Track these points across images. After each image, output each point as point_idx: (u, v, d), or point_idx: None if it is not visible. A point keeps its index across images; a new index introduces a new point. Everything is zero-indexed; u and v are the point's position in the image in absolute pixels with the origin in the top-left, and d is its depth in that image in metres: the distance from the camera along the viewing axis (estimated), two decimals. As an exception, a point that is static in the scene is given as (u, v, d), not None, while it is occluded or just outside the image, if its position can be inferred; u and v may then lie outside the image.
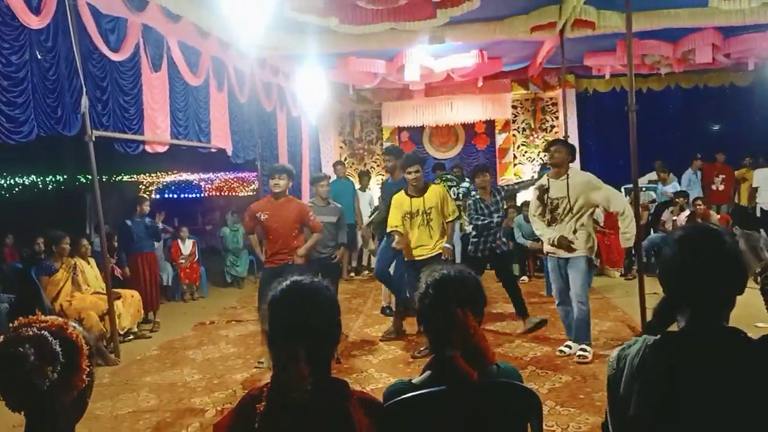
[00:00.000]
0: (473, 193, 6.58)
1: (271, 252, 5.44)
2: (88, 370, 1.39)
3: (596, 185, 5.13)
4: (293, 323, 1.55)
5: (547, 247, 5.26)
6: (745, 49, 9.27)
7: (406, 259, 5.57)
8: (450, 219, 5.50)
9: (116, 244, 7.46)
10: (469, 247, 6.26)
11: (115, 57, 5.99)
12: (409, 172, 5.43)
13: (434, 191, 5.50)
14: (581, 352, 5.01)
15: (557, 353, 5.16)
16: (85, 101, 5.48)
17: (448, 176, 10.10)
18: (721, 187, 10.55)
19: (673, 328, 1.55)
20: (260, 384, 1.58)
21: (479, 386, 1.64)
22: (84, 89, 5.47)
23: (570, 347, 5.17)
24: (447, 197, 5.57)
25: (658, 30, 8.31)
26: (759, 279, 1.80)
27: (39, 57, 5.04)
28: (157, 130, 6.84)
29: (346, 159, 12.36)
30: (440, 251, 5.43)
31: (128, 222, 7.31)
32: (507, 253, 6.30)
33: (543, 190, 5.22)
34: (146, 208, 7.47)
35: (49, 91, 5.19)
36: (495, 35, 8.53)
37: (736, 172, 10.65)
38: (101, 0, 5.69)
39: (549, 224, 5.17)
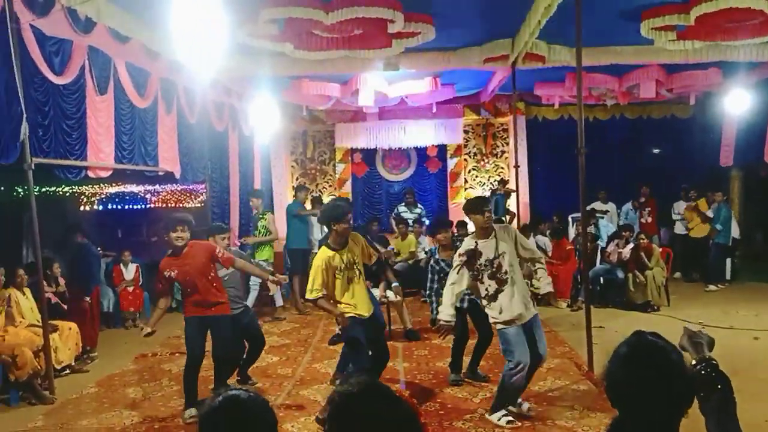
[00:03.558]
0: (434, 251, 6.06)
1: (191, 301, 5.04)
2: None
3: (518, 233, 4.95)
4: None
5: (507, 315, 4.57)
6: (686, 85, 9.65)
7: (363, 315, 4.75)
8: (374, 261, 4.99)
9: (57, 269, 7.16)
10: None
11: (58, 80, 5.76)
12: (347, 221, 4.71)
13: (354, 239, 4.83)
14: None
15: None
16: (24, 128, 5.22)
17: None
18: (649, 219, 10.90)
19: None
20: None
21: None
22: (24, 115, 5.21)
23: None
24: (364, 241, 4.98)
25: (604, 65, 8.57)
26: (693, 370, 1.81)
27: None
28: (101, 155, 6.61)
29: (297, 178, 12.26)
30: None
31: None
32: None
33: (475, 255, 4.65)
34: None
35: (-15, 118, 4.94)
36: (449, 64, 8.65)
37: (697, 203, 10.49)
38: (46, 22, 5.44)
39: (497, 292, 4.61)
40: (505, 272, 4.61)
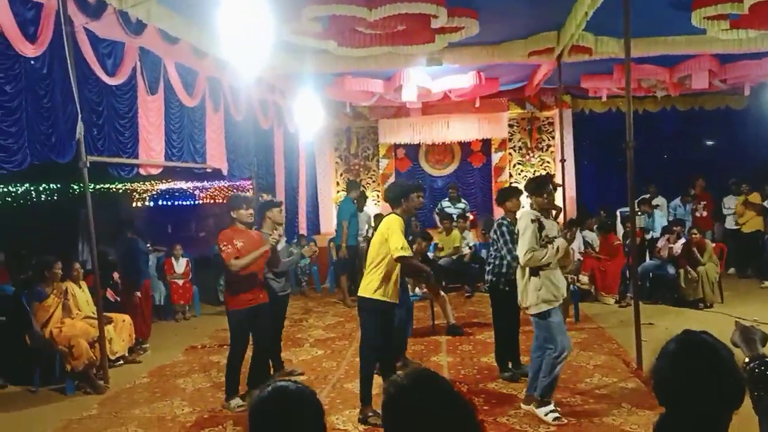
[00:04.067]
0: (500, 219, 5.72)
1: (245, 289, 5.03)
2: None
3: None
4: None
5: (546, 293, 4.54)
6: (741, 75, 9.32)
7: (394, 301, 4.75)
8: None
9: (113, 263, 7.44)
10: (491, 277, 5.64)
11: (111, 81, 5.96)
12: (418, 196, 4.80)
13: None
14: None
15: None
16: (80, 127, 5.41)
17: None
18: (704, 213, 10.56)
19: None
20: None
21: None
22: (80, 115, 5.40)
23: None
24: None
25: (654, 55, 8.35)
26: (746, 368, 1.75)
27: (35, 88, 5.00)
28: (152, 153, 6.80)
29: (341, 174, 12.35)
30: None
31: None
32: None
33: (541, 226, 4.57)
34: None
35: (43, 118, 5.15)
36: (493, 59, 8.57)
37: (748, 197, 10.07)
38: (99, 25, 5.64)
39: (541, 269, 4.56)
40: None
